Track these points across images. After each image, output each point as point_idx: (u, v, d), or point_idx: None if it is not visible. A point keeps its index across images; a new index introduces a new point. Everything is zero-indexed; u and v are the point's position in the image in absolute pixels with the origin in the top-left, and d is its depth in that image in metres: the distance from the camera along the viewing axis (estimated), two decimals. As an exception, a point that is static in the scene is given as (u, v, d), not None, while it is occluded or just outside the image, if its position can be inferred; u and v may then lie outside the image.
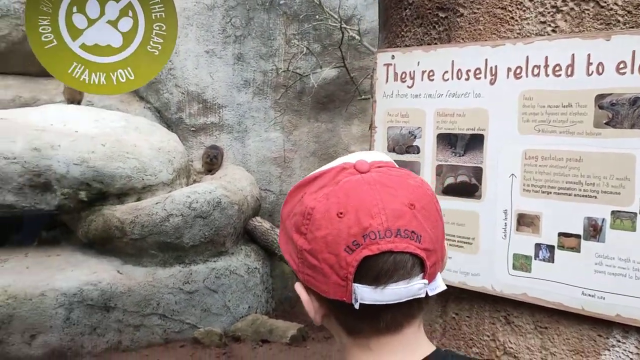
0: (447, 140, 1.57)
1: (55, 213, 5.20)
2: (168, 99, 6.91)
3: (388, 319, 0.75)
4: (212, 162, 6.23)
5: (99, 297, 4.63)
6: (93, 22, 2.23)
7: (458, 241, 1.58)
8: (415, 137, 1.63)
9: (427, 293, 0.74)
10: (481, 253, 1.54)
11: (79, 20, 2.21)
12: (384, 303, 0.72)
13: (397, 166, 0.82)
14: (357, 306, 0.72)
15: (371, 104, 1.94)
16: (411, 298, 0.72)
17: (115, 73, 2.26)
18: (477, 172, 1.52)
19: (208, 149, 6.38)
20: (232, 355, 4.69)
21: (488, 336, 1.63)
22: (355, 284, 0.71)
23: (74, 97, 6.21)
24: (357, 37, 6.44)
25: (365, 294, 0.72)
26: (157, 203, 5.03)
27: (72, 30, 2.19)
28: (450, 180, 1.57)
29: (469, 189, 1.54)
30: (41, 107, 5.98)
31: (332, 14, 6.55)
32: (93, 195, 5.06)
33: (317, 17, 6.56)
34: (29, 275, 4.69)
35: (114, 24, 2.25)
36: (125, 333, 4.75)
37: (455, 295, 1.70)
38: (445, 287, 0.78)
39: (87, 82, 2.24)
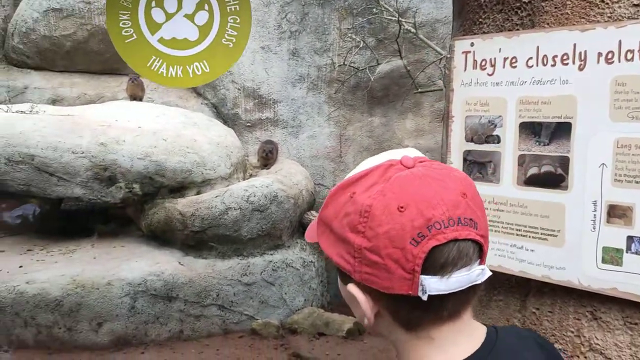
0: (530, 129, 1.52)
1: (120, 206, 5.39)
2: (225, 95, 7.03)
3: (450, 307, 0.76)
4: (268, 156, 6.29)
5: (162, 287, 4.76)
6: (171, 16, 2.29)
7: (541, 233, 1.53)
8: (495, 126, 1.59)
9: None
10: (567, 246, 1.48)
11: (157, 15, 2.29)
12: (447, 291, 0.74)
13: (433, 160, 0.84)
14: (425, 298, 0.73)
15: (445, 93, 1.91)
16: (471, 284, 0.75)
17: (192, 66, 2.32)
18: (564, 162, 1.46)
19: (263, 143, 6.46)
20: (289, 347, 4.74)
21: (572, 332, 1.57)
22: (422, 276, 0.73)
23: (136, 94, 6.41)
24: (412, 30, 6.36)
25: (432, 285, 0.73)
26: (216, 196, 5.13)
27: (151, 24, 2.26)
28: (533, 171, 1.52)
29: (554, 180, 1.48)
30: (106, 103, 6.21)
31: (388, 7, 6.49)
32: (155, 188, 5.22)
33: (374, 10, 6.51)
34: (96, 265, 4.88)
35: (190, 17, 2.31)
36: (187, 323, 4.88)
37: (536, 289, 1.65)
38: (490, 273, 0.79)
39: (164, 75, 2.30)
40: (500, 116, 1.58)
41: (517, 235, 1.57)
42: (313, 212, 5.89)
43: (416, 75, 6.40)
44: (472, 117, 1.64)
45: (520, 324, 1.72)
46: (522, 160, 1.55)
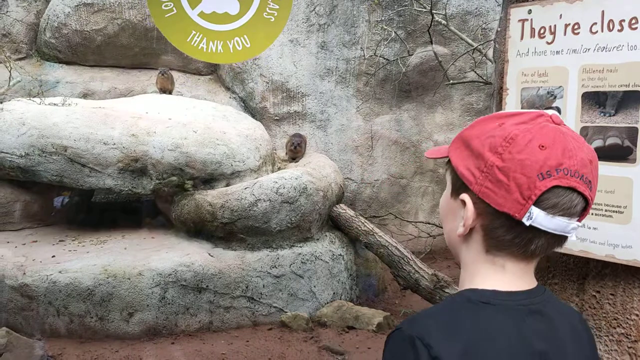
0: (594, 100, 1.44)
1: (151, 197, 5.40)
2: (253, 88, 7.01)
3: (537, 244, 0.89)
4: (296, 149, 6.26)
5: (192, 278, 4.76)
6: (211, -12, 2.25)
7: (606, 210, 1.44)
8: (555, 97, 1.51)
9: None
10: (634, 223, 1.39)
11: (197, -12, 2.24)
12: (545, 229, 0.86)
13: None
14: (527, 224, 0.86)
15: (496, 67, 1.83)
16: (562, 234, 0.88)
17: (232, 41, 2.27)
18: (632, 133, 1.38)
19: (292, 137, 6.42)
20: (319, 340, 4.69)
21: (637, 315, 1.48)
22: (534, 206, 0.85)
23: (165, 87, 6.44)
24: (443, 22, 6.25)
25: (538, 217, 0.85)
26: (245, 188, 5.10)
27: (191, -3, 2.22)
28: (598, 143, 1.43)
29: (620, 153, 1.40)
30: (136, 96, 6.24)
31: (418, -1, 6.39)
32: (185, 180, 5.22)
33: (404, 1, 6.41)
34: (127, 255, 4.90)
35: (231, -11, 2.26)
36: (216, 314, 4.86)
37: (596, 271, 1.56)
38: (575, 238, 0.92)
39: (204, 50, 2.26)
40: (560, 87, 1.50)
41: (578, 212, 1.49)
42: (342, 206, 5.83)
43: (448, 66, 6.27)
44: (529, 88, 1.56)
45: (578, 308, 1.64)
46: (584, 133, 1.46)
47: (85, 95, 6.83)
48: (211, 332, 4.79)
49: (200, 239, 5.21)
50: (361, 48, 6.84)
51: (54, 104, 5.59)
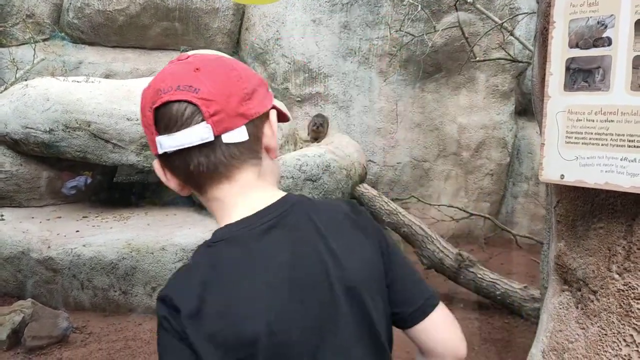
0: (650, 26, 1.35)
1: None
2: (275, 69, 6.96)
3: (195, 163, 0.88)
4: (319, 129, 6.21)
5: (214, 253, 4.74)
6: None
7: (660, 143, 1.36)
8: (605, 27, 1.42)
9: (221, 140, 0.88)
10: (692, 154, 1.31)
11: None
12: (179, 147, 0.87)
13: (231, 60, 0.97)
14: (160, 152, 0.89)
15: (539, 7, 1.75)
16: (203, 142, 0.87)
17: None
18: (691, 58, 1.29)
19: (314, 117, 6.38)
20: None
21: (692, 256, 1.40)
22: (157, 136, 0.89)
23: (187, 66, 6.42)
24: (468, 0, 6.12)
25: (163, 142, 0.88)
26: (268, 165, 5.07)
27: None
28: (653, 71, 1.35)
29: (678, 80, 1.32)
30: (158, 75, 6.24)
31: (444, -24, 6.27)
32: (208, 156, 5.20)
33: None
34: (150, 230, 4.90)
35: None
36: (238, 290, 4.84)
37: (647, 211, 1.48)
38: (246, 138, 0.90)
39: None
40: (612, 15, 1.41)
41: (630, 147, 1.41)
42: (365, 185, 5.77)
43: (474, 42, 6.13)
44: (578, 20, 1.48)
45: (625, 252, 1.56)
46: (637, 63, 1.38)
47: (107, 76, 6.85)
48: (233, 308, 4.77)
49: (222, 216, 5.19)
50: (384, 25, 6.73)
51: (77, 82, 5.61)
